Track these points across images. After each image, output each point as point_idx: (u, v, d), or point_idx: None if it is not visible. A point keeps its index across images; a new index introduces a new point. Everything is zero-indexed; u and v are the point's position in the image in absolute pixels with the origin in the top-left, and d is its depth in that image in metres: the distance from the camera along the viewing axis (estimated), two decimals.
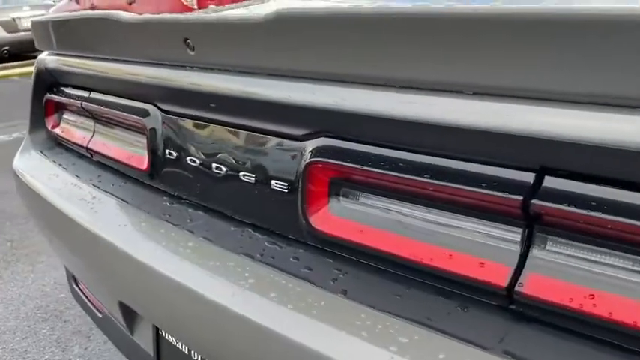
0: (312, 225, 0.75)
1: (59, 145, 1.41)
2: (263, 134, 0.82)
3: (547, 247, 0.57)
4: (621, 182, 0.51)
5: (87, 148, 1.23)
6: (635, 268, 0.51)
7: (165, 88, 0.94)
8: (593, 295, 0.53)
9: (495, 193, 0.58)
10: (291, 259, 0.78)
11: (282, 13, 0.68)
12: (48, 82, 1.37)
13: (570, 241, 0.55)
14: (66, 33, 1.11)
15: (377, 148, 0.69)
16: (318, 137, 0.75)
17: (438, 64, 0.58)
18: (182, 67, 0.88)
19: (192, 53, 0.82)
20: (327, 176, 0.75)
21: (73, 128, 1.33)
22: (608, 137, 0.49)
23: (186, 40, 0.81)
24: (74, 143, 1.30)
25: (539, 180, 0.55)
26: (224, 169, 0.89)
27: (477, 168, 0.60)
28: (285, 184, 0.80)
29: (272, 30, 0.70)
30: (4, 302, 2.29)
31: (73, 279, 1.43)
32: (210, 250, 0.84)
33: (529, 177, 0.56)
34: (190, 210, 0.96)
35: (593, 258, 0.54)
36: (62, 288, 2.36)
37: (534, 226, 0.57)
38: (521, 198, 0.55)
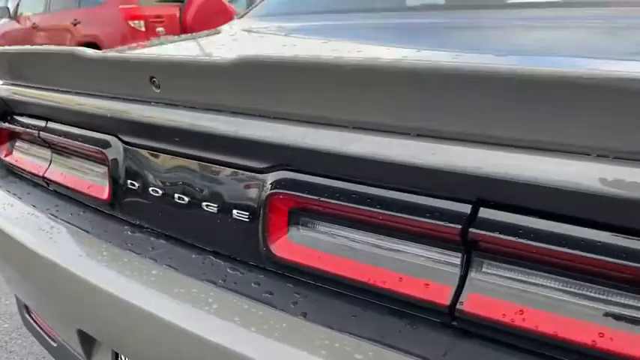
0: (273, 252, 0.81)
1: (12, 174, 1.40)
2: (226, 167, 0.87)
3: (484, 270, 0.65)
4: (545, 213, 0.59)
5: (43, 178, 1.24)
6: (560, 287, 0.60)
7: (129, 122, 0.97)
8: (522, 310, 0.61)
9: (438, 222, 0.65)
10: (252, 284, 0.83)
11: (245, 59, 0.74)
12: (1, 110, 1.37)
13: (503, 264, 0.64)
14: (28, 65, 1.13)
15: (332, 180, 0.75)
16: (278, 170, 0.81)
17: (386, 110, 0.65)
18: (146, 102, 0.92)
19: (157, 91, 0.86)
20: (286, 206, 0.81)
21: (27, 157, 1.33)
22: (531, 175, 0.57)
23: (152, 78, 0.86)
24: (29, 172, 1.30)
25: (475, 211, 0.63)
26: (187, 198, 0.93)
27: (421, 200, 0.67)
28: (247, 213, 0.85)
29: (236, 73, 0.76)
30: None
31: (25, 308, 1.42)
32: (174, 278, 0.88)
33: (467, 208, 0.64)
34: (152, 238, 1.00)
35: (522, 278, 0.62)
36: (6, 318, 2.29)
37: (472, 251, 0.65)
38: (460, 227, 0.63)
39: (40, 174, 1.24)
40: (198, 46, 1.36)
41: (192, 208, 0.93)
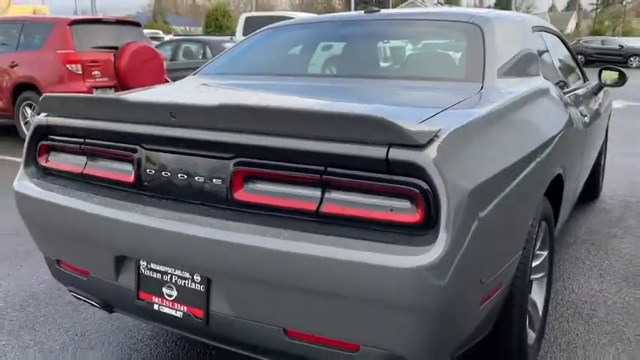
0: (236, 198, 1.66)
1: (49, 175, 2.14)
2: (210, 158, 1.71)
3: (332, 193, 1.54)
4: (343, 173, 1.49)
5: (82, 174, 2.00)
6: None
7: (151, 136, 1.79)
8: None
9: (311, 175, 1.54)
10: (225, 215, 1.67)
11: (223, 104, 1.60)
12: (43, 133, 2.11)
13: (338, 189, 1.53)
14: (80, 106, 1.91)
15: (265, 161, 1.62)
16: (237, 157, 1.67)
17: (280, 127, 1.54)
18: (165, 125, 1.75)
19: (174, 119, 1.70)
20: (242, 175, 1.66)
21: (66, 162, 2.08)
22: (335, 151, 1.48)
23: (171, 112, 1.69)
24: (68, 172, 2.05)
25: (325, 168, 1.52)
26: (186, 176, 1.76)
27: (303, 165, 1.55)
28: (220, 180, 1.69)
29: (218, 111, 1.62)
30: None
31: (56, 262, 2.13)
32: (180, 214, 1.71)
33: (322, 167, 1.53)
34: (164, 200, 1.81)
35: (343, 194, 1.52)
36: None
37: (325, 185, 1.54)
38: (319, 176, 1.52)
39: (80, 171, 2.00)
40: (187, 93, 2.24)
41: (188, 181, 1.75)
